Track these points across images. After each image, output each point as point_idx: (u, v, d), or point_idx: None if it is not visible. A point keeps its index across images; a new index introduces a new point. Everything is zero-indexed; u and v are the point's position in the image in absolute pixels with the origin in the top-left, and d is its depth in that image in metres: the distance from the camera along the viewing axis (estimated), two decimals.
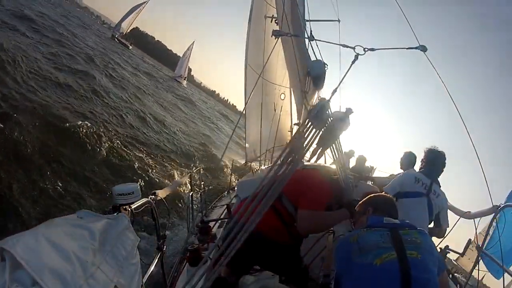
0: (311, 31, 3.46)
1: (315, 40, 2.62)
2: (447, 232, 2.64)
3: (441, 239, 2.75)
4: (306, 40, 2.84)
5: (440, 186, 2.59)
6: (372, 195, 1.65)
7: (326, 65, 2.14)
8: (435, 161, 2.57)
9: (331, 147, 1.79)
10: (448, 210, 2.87)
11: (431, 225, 2.78)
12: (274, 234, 1.82)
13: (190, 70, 53.82)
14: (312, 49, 2.53)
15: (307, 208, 1.76)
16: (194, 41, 53.41)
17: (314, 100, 2.67)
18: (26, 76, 8.37)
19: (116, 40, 42.35)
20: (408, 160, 3.08)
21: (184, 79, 49.20)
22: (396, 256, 1.22)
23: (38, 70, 9.28)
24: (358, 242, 1.34)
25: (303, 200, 1.78)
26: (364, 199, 1.66)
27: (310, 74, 2.12)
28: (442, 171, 2.59)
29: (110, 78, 14.85)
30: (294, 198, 1.82)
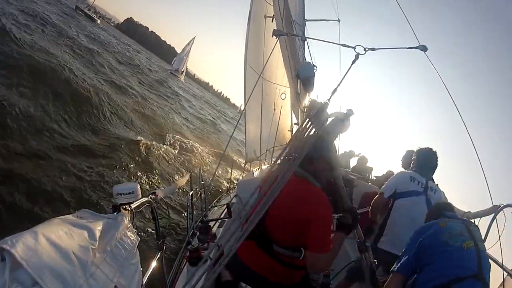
0: (303, 31, 3.46)
1: (313, 39, 2.62)
2: None
3: None
4: (300, 40, 2.84)
5: (435, 184, 2.54)
6: (442, 200, 1.91)
7: (315, 67, 2.12)
8: (427, 161, 2.54)
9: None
10: None
11: None
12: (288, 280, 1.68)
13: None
14: (307, 49, 2.54)
15: (320, 253, 1.53)
16: (195, 37, 52.08)
17: (306, 101, 2.68)
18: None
19: (80, 12, 37.25)
20: (410, 158, 3.08)
21: (182, 74, 47.78)
22: (474, 245, 1.48)
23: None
24: (446, 227, 1.59)
25: (314, 243, 1.54)
26: (432, 212, 1.93)
27: (299, 77, 2.11)
28: (435, 168, 2.56)
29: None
30: (294, 236, 1.59)
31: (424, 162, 2.55)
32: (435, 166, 2.56)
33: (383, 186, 2.62)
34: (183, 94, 29.51)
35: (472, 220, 2.46)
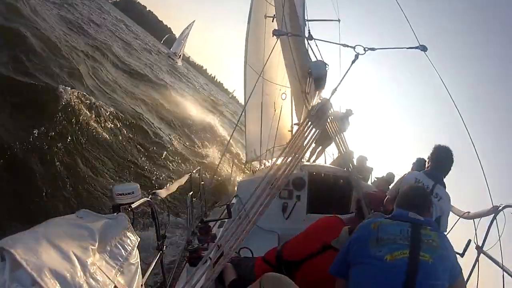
0: (309, 30, 3.46)
1: (314, 39, 2.62)
2: (446, 232, 2.64)
3: None
4: (306, 40, 2.84)
5: (445, 187, 2.44)
6: (405, 188, 1.58)
7: (327, 65, 2.12)
8: (437, 160, 2.40)
9: (337, 144, 1.79)
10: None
11: None
12: None
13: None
14: (312, 49, 2.53)
15: None
16: (194, 21, 48.78)
17: (315, 100, 2.69)
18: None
19: None
20: (418, 166, 3.07)
21: (179, 57, 45.19)
22: (408, 256, 1.19)
23: None
24: (378, 230, 1.30)
25: None
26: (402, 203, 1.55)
27: (311, 75, 2.10)
28: (448, 170, 2.42)
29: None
30: None
31: (435, 162, 2.42)
32: (448, 166, 2.40)
33: (390, 189, 2.60)
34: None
35: (472, 221, 2.46)
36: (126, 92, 13.07)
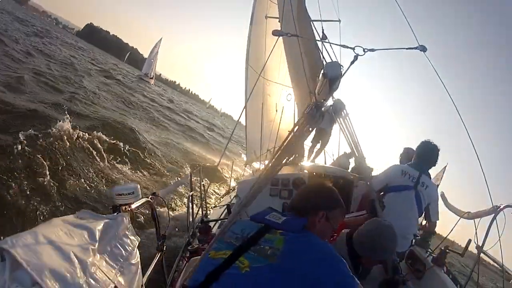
0: (323, 31, 3.45)
1: (328, 42, 2.62)
2: (447, 233, 2.65)
3: (441, 241, 2.77)
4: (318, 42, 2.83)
5: (430, 178, 2.56)
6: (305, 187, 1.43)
7: (341, 66, 2.14)
8: (423, 153, 2.54)
9: (346, 138, 1.79)
10: (448, 210, 2.88)
11: (422, 219, 2.78)
12: None
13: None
14: (326, 50, 2.53)
15: None
16: (161, 38, 49.51)
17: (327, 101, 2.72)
18: None
19: None
20: (406, 155, 3.12)
21: (152, 78, 44.75)
22: (226, 258, 1.02)
23: None
24: (236, 225, 1.19)
25: None
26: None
27: (326, 76, 2.11)
28: (433, 163, 2.55)
29: None
30: None
31: (420, 154, 2.55)
32: (433, 159, 2.53)
33: (373, 179, 2.63)
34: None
35: (472, 221, 2.47)
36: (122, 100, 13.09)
